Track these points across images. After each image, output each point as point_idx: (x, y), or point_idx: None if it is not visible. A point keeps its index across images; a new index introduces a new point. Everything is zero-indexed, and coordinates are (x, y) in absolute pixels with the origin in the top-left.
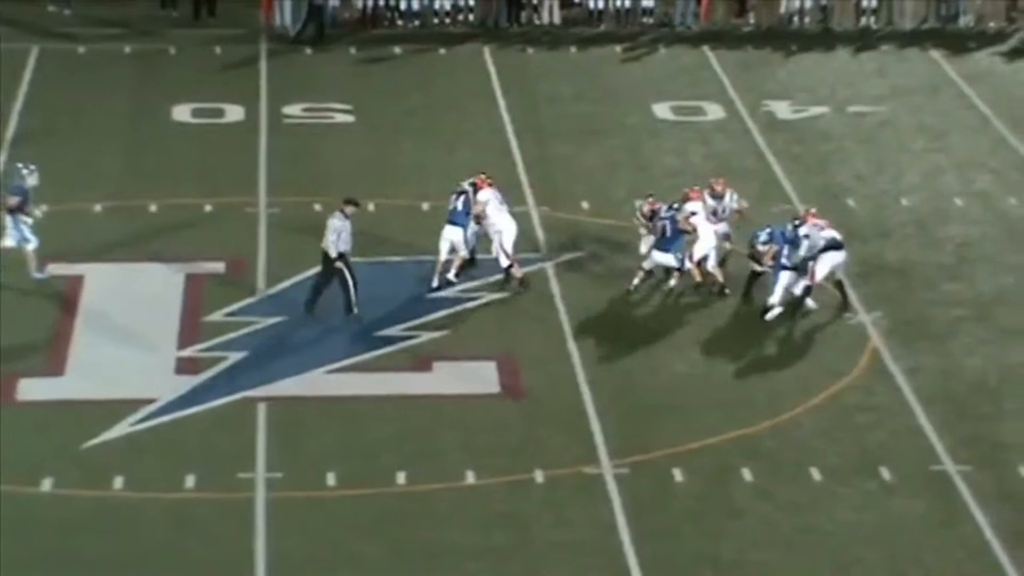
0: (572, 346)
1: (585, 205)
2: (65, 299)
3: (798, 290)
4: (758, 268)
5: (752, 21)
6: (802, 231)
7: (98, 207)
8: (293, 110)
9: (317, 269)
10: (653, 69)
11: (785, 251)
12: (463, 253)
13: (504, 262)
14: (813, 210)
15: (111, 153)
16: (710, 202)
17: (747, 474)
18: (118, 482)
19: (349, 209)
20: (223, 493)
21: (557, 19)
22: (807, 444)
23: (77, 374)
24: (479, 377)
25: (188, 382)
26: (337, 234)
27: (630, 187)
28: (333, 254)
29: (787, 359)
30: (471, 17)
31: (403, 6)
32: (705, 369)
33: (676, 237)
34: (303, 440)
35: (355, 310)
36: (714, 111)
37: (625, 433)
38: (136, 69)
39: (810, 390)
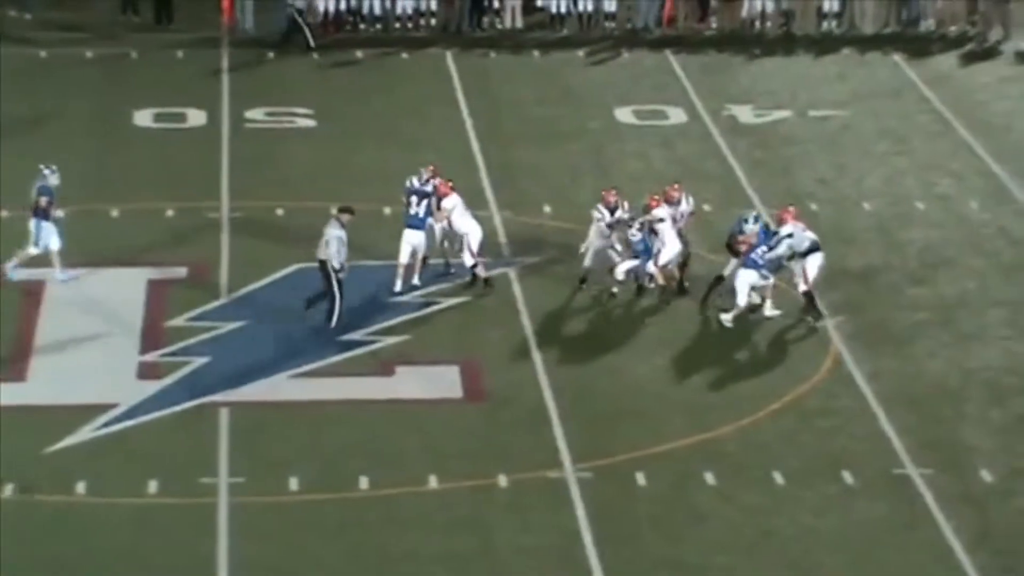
0: (535, 350)
1: (547, 209)
2: (27, 304)
3: (758, 298)
4: (731, 261)
5: (714, 25)
6: (784, 230)
7: (60, 212)
8: (255, 114)
9: (276, 276)
10: (615, 73)
11: (759, 250)
12: (424, 256)
13: (469, 262)
14: (791, 208)
15: (73, 158)
16: (667, 208)
17: (710, 478)
18: (80, 487)
19: (345, 217)
20: (185, 498)
21: (520, 23)
22: (770, 448)
23: (39, 379)
24: (442, 381)
25: (151, 387)
26: (339, 244)
27: (592, 191)
28: (336, 265)
29: (750, 363)
30: (433, 21)
31: (365, 10)
32: (668, 373)
33: (648, 248)
34: (265, 445)
35: (334, 324)
36: (676, 115)
37: (588, 437)
38: (98, 73)
39: (773, 394)
